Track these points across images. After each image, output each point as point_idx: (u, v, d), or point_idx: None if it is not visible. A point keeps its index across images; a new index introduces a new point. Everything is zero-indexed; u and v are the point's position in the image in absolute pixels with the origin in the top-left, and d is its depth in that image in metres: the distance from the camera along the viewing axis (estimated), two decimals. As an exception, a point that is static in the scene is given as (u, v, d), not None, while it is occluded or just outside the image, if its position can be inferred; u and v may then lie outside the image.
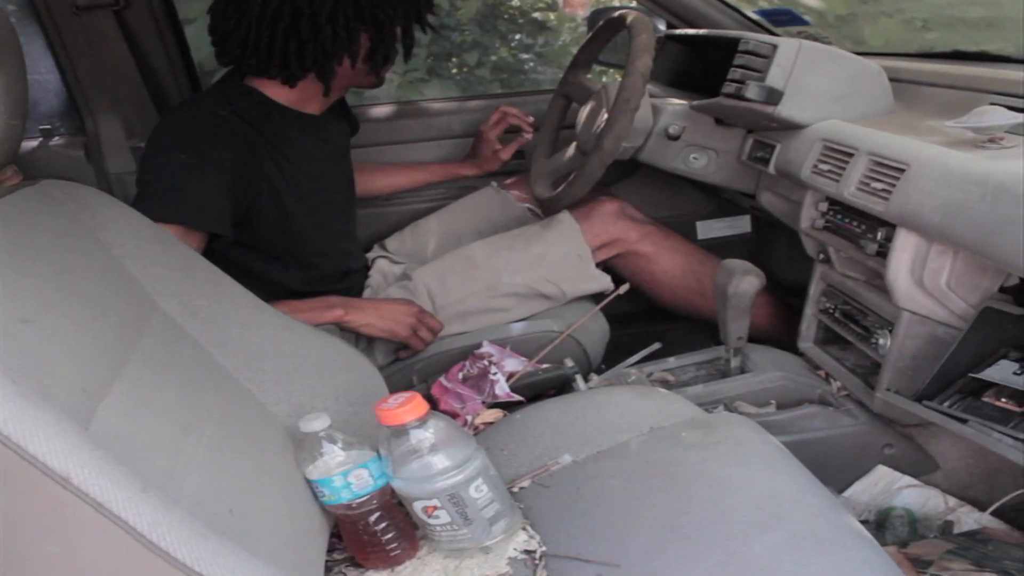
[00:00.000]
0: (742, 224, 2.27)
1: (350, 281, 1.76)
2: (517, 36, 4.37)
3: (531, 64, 4.35)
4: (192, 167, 1.45)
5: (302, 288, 1.62)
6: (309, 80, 1.56)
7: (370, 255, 1.93)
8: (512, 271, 1.70)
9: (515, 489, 1.10)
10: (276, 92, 1.57)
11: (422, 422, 0.96)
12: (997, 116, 1.19)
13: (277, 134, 1.55)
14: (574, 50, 1.94)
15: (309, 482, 1.00)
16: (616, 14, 1.72)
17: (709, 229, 2.27)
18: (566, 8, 1.55)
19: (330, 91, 1.60)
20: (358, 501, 0.98)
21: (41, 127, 2.12)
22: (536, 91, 2.62)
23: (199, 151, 1.46)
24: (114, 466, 0.62)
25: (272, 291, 1.56)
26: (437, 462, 0.95)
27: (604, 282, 1.75)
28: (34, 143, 2.09)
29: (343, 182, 1.78)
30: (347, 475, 0.98)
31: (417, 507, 0.98)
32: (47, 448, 0.59)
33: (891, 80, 1.54)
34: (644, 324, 2.08)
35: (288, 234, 1.60)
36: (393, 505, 1.01)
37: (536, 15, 4.26)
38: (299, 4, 1.47)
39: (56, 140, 2.15)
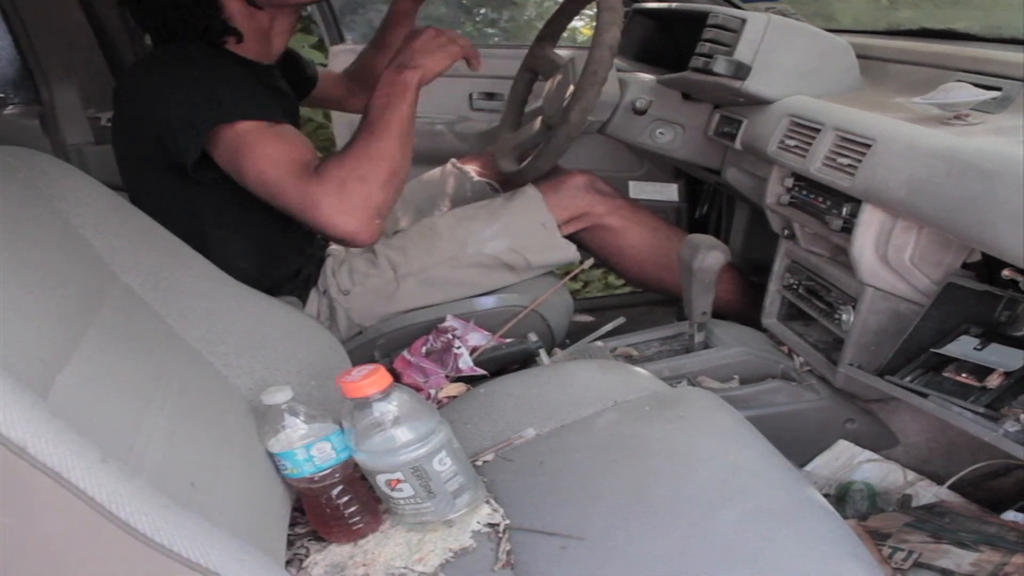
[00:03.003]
0: (670, 192, 2.30)
1: (310, 252, 1.73)
2: (482, 10, 4.34)
3: (496, 39, 4.33)
4: (217, 75, 1.42)
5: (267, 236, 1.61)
6: (245, 26, 1.52)
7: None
8: (476, 241, 1.69)
9: (479, 463, 1.10)
10: (228, 44, 1.54)
11: (385, 395, 0.95)
12: (963, 93, 1.20)
13: (246, 80, 1.51)
14: (539, 24, 1.92)
15: (271, 455, 0.99)
16: (585, -14, 1.70)
17: (640, 190, 2.30)
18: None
19: (265, 33, 1.56)
20: (320, 474, 0.97)
21: (-5, 96, 2.07)
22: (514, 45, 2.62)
23: (210, 66, 1.44)
24: (73, 436, 0.60)
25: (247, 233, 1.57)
26: (400, 435, 0.94)
27: (570, 252, 1.74)
28: None
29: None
30: (309, 448, 0.97)
31: (380, 480, 0.97)
32: (3, 417, 0.57)
33: (859, 57, 1.55)
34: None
35: None
36: (356, 478, 1.00)
37: (502, -11, 4.24)
38: None
39: (10, 110, 2.10)
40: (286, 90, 1.69)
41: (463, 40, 1.54)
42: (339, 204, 1.33)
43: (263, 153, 1.36)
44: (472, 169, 1.98)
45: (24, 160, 1.01)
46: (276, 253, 1.64)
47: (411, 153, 1.43)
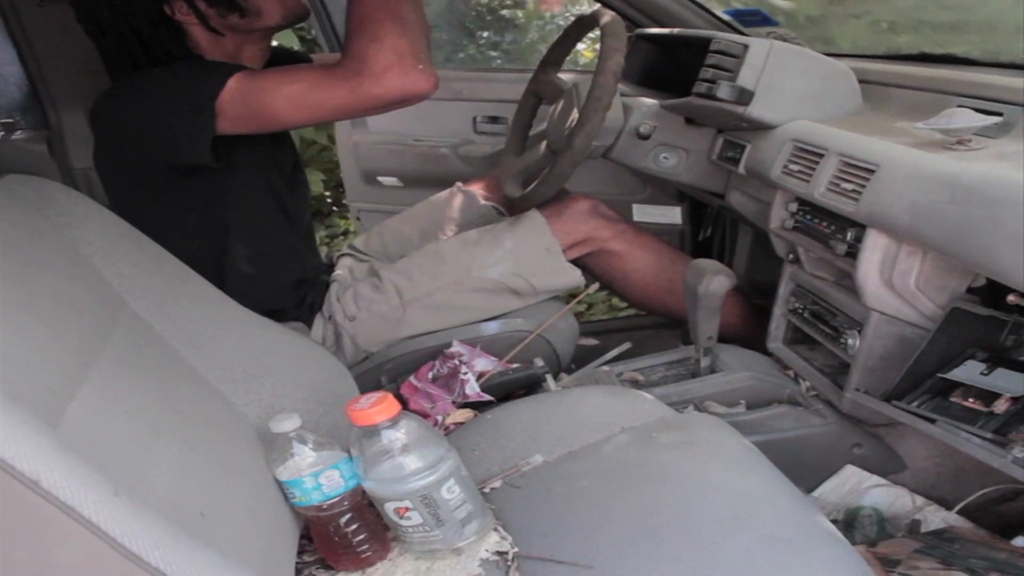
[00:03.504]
0: (674, 215, 2.30)
1: (314, 273, 1.74)
2: (485, 33, 4.37)
3: (499, 61, 4.36)
4: (195, 63, 1.44)
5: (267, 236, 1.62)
6: (216, 51, 1.53)
7: (337, 253, 1.93)
8: (481, 266, 1.69)
9: (486, 490, 1.10)
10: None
11: (394, 422, 0.95)
12: (966, 118, 1.21)
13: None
14: (542, 47, 1.94)
15: (279, 483, 0.99)
16: (589, 12, 1.71)
17: (644, 213, 2.30)
18: (542, 5, 1.53)
19: (240, 44, 1.55)
20: (329, 502, 0.97)
21: (2, 121, 2.08)
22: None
23: (187, 64, 1.46)
24: (85, 469, 0.60)
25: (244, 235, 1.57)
26: (409, 463, 0.94)
27: (574, 276, 1.74)
28: None
29: (288, 152, 1.76)
30: (318, 476, 0.97)
31: (389, 508, 0.97)
32: (16, 451, 0.57)
33: (860, 81, 1.56)
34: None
35: (245, 194, 1.57)
36: (364, 506, 1.00)
37: (504, 12, 4.27)
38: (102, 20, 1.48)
39: (18, 134, 2.10)
40: None
41: None
42: (374, 70, 1.29)
43: (277, 80, 1.36)
44: (477, 192, 1.99)
45: (35, 188, 1.02)
46: (278, 257, 1.65)
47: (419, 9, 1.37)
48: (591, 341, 2.18)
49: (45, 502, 0.58)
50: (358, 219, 2.65)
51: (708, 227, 2.31)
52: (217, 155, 1.42)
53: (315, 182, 3.55)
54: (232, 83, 1.37)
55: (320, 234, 3.73)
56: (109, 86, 1.54)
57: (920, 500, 1.41)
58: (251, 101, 1.37)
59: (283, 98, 1.36)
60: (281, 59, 1.74)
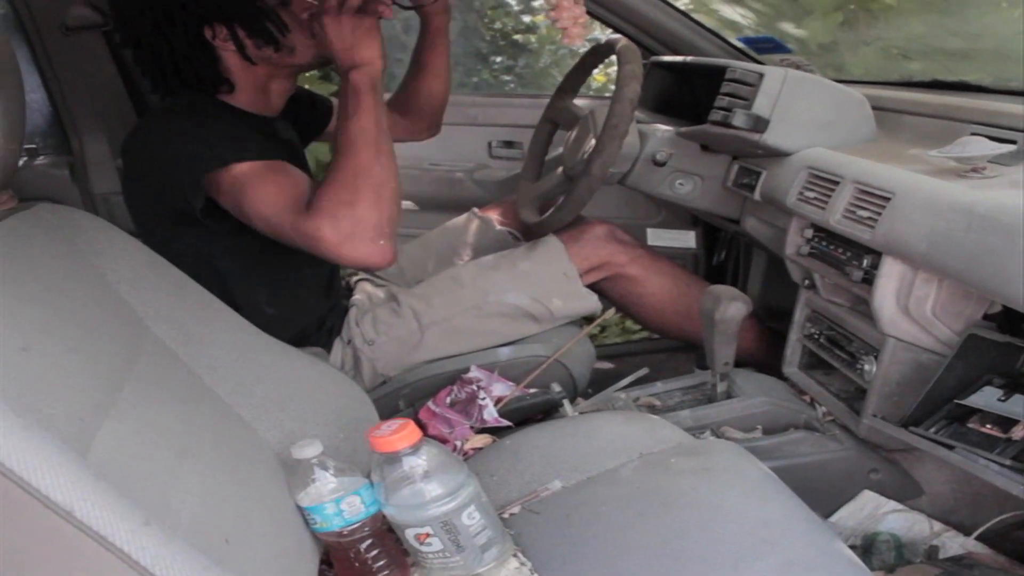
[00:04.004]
0: (688, 239, 2.32)
1: (335, 298, 1.75)
2: (498, 58, 4.40)
3: (512, 86, 4.39)
4: (210, 123, 1.45)
5: (289, 287, 1.63)
6: (246, 80, 1.55)
7: (355, 277, 1.94)
8: (498, 290, 1.70)
9: (505, 515, 1.11)
10: (230, 98, 1.56)
11: (415, 449, 0.96)
12: (980, 146, 1.22)
13: (240, 127, 1.54)
14: (555, 72, 1.96)
15: (300, 509, 1.00)
16: (604, 41, 1.73)
17: (658, 237, 2.32)
18: (564, 40, 1.54)
19: (268, 78, 1.57)
20: (350, 528, 0.98)
21: (26, 146, 2.12)
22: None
23: (204, 115, 1.48)
24: (115, 499, 0.62)
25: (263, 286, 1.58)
26: (430, 489, 0.95)
27: (592, 301, 1.75)
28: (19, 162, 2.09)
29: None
30: (339, 502, 0.98)
31: (409, 534, 0.97)
32: (50, 481, 0.58)
33: (873, 108, 1.57)
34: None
35: None
36: (384, 532, 1.01)
37: (517, 37, 4.30)
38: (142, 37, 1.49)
39: (41, 159, 2.14)
40: (290, 138, 1.71)
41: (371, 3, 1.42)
42: (336, 235, 1.30)
43: (261, 193, 1.36)
44: (494, 218, 2.01)
45: (64, 218, 1.04)
46: (300, 296, 1.66)
47: (393, 163, 1.38)
48: (606, 364, 2.18)
49: (79, 532, 0.59)
50: None
51: (722, 251, 2.32)
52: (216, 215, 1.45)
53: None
54: (226, 171, 1.38)
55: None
56: (138, 121, 1.57)
57: (938, 526, 1.41)
58: (238, 196, 1.39)
59: (256, 213, 1.37)
60: (302, 98, 1.78)
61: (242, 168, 1.38)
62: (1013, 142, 1.26)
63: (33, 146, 2.14)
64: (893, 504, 1.44)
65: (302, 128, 1.80)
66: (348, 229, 1.30)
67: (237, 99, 1.56)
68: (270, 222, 1.35)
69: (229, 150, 1.39)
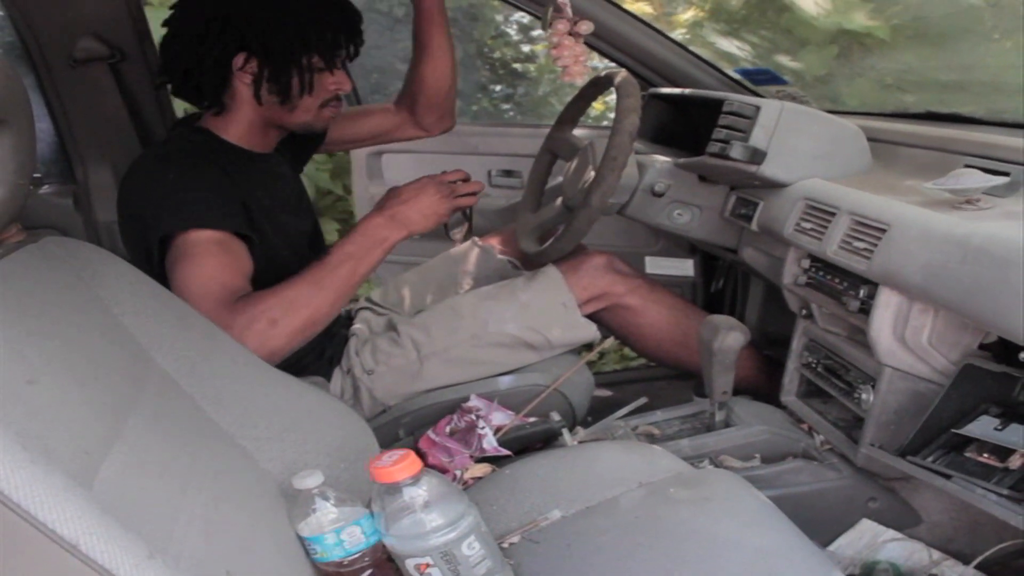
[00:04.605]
0: (686, 267, 2.33)
1: (335, 327, 1.77)
2: (498, 87, 4.45)
3: (511, 114, 4.42)
4: (188, 178, 1.48)
5: None
6: (244, 114, 1.59)
7: (355, 306, 1.95)
8: (497, 320, 1.71)
9: (505, 545, 1.11)
10: (224, 130, 1.61)
11: (415, 479, 0.96)
12: (974, 179, 1.24)
13: (232, 164, 1.57)
14: (553, 100, 1.98)
15: (301, 539, 1.00)
16: (604, 73, 1.76)
17: (656, 265, 2.33)
18: (564, 77, 1.57)
19: (264, 123, 1.61)
20: (350, 558, 0.98)
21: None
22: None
23: (187, 167, 1.50)
24: (120, 532, 0.62)
25: None
26: (430, 520, 0.95)
27: (590, 331, 1.76)
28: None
29: (307, 213, 1.80)
30: (340, 532, 0.98)
31: (409, 564, 0.98)
32: (56, 515, 0.59)
33: (869, 139, 1.59)
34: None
35: (272, 262, 1.60)
36: (384, 562, 1.01)
37: (516, 66, 4.34)
38: (185, 27, 1.54)
39: (46, 188, 2.16)
40: (283, 173, 1.74)
41: (467, 186, 1.60)
42: (240, 335, 1.33)
43: (197, 268, 1.41)
44: (494, 247, 2.02)
45: (70, 251, 1.05)
46: None
47: (340, 308, 1.49)
48: (606, 392, 2.19)
49: (84, 565, 0.60)
50: None
51: (720, 279, 2.33)
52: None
53: (330, 232, 3.60)
54: (181, 235, 1.43)
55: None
56: (134, 160, 1.62)
57: (937, 554, 1.41)
58: (175, 260, 1.43)
59: (181, 282, 1.40)
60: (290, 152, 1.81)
61: (195, 236, 1.43)
62: (1006, 174, 1.28)
63: (38, 175, 2.16)
64: (892, 533, 1.44)
65: (294, 156, 1.83)
66: (251, 339, 1.36)
67: (233, 133, 1.60)
68: (189, 295, 1.37)
69: (193, 215, 1.44)
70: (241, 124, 1.60)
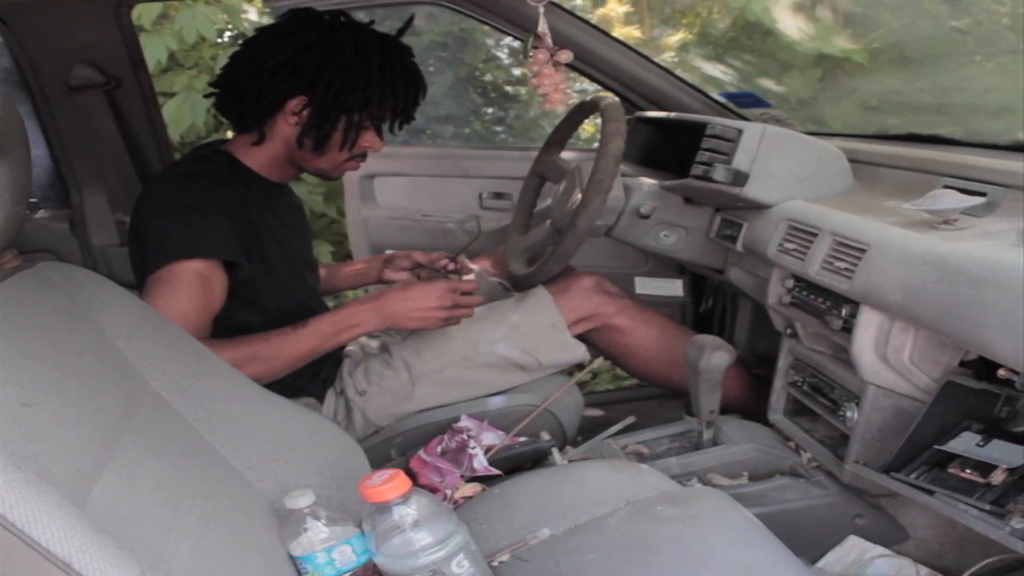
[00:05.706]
0: (675, 287, 2.35)
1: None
2: (490, 110, 4.48)
3: (503, 136, 4.45)
4: (195, 206, 1.51)
5: None
6: (274, 148, 1.62)
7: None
8: (488, 341, 1.73)
9: (495, 563, 1.12)
10: (249, 157, 1.64)
11: (405, 499, 0.97)
12: (951, 199, 1.26)
13: (250, 190, 1.60)
14: (544, 123, 2.00)
15: (292, 558, 1.02)
16: (590, 98, 1.79)
17: (645, 286, 2.35)
18: (546, 105, 1.61)
19: (289, 160, 1.65)
20: (341, 577, 1.00)
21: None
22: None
23: (197, 193, 1.53)
24: (113, 550, 0.64)
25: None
26: (420, 538, 0.97)
27: (580, 351, 1.78)
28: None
29: (308, 242, 1.85)
30: (331, 551, 1.00)
31: (400, 583, 0.99)
32: (50, 534, 0.61)
33: (850, 161, 1.62)
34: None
35: (274, 284, 1.64)
36: (375, 581, 1.03)
37: (508, 89, 4.38)
38: (263, 56, 1.57)
39: (42, 212, 2.18)
40: (292, 203, 1.79)
41: (466, 311, 1.64)
42: None
43: (173, 297, 1.45)
44: (484, 269, 2.04)
45: (65, 276, 1.07)
46: None
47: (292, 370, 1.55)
48: (596, 412, 2.20)
49: None
50: (366, 291, 2.70)
51: (709, 299, 2.35)
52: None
53: (324, 254, 3.62)
54: (179, 263, 1.47)
55: (330, 306, 3.77)
56: (153, 178, 1.65)
57: (924, 570, 1.42)
58: (158, 282, 1.48)
59: (164, 305, 1.42)
60: None
61: (180, 267, 1.47)
62: (983, 194, 1.30)
63: (34, 200, 2.18)
64: (879, 549, 1.46)
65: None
66: None
67: (255, 161, 1.64)
68: (177, 316, 1.39)
69: (191, 243, 1.48)
70: (267, 155, 1.64)
